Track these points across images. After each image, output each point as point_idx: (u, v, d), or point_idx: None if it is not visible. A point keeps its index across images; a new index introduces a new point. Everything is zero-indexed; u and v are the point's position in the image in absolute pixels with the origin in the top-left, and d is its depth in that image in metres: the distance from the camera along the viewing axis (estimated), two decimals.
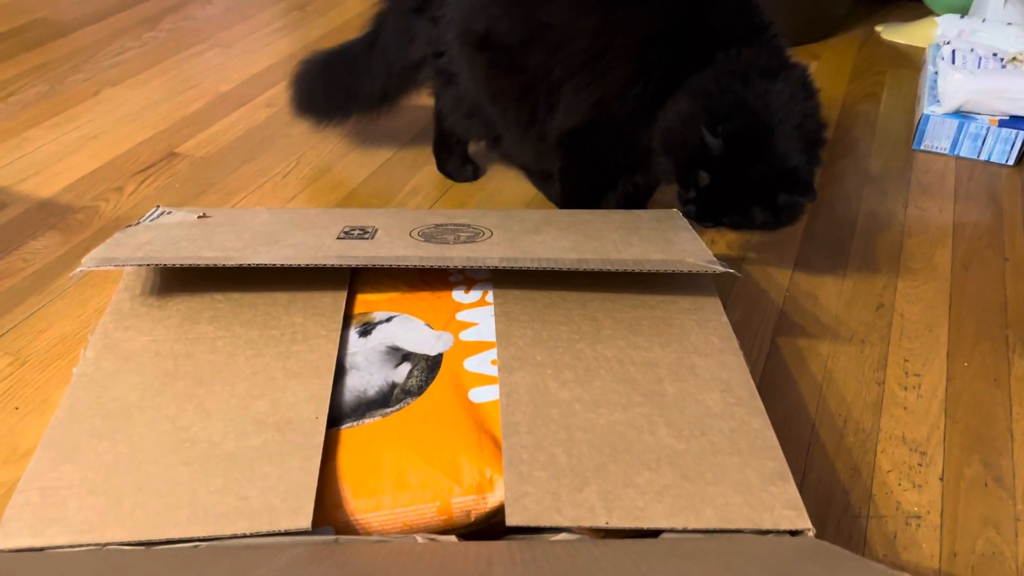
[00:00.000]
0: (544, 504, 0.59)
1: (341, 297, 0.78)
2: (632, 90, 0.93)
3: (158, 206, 0.89)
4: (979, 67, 1.35)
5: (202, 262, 0.72)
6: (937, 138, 1.32)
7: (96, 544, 0.56)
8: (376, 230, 0.83)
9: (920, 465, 0.82)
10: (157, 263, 0.72)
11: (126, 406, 0.66)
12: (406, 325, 0.76)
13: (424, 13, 1.06)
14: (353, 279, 0.81)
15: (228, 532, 0.56)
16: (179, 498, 0.58)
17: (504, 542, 0.60)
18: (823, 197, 1.23)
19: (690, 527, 0.58)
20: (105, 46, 1.65)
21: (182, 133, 1.35)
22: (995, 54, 1.37)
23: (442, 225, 0.85)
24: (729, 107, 0.87)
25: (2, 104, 1.42)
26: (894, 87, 1.55)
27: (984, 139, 1.29)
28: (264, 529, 0.56)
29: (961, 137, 1.30)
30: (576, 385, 0.68)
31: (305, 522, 0.57)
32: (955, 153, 1.32)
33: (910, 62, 1.64)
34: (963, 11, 1.61)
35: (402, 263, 0.74)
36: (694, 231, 0.88)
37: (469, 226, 0.85)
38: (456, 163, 1.24)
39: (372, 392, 0.69)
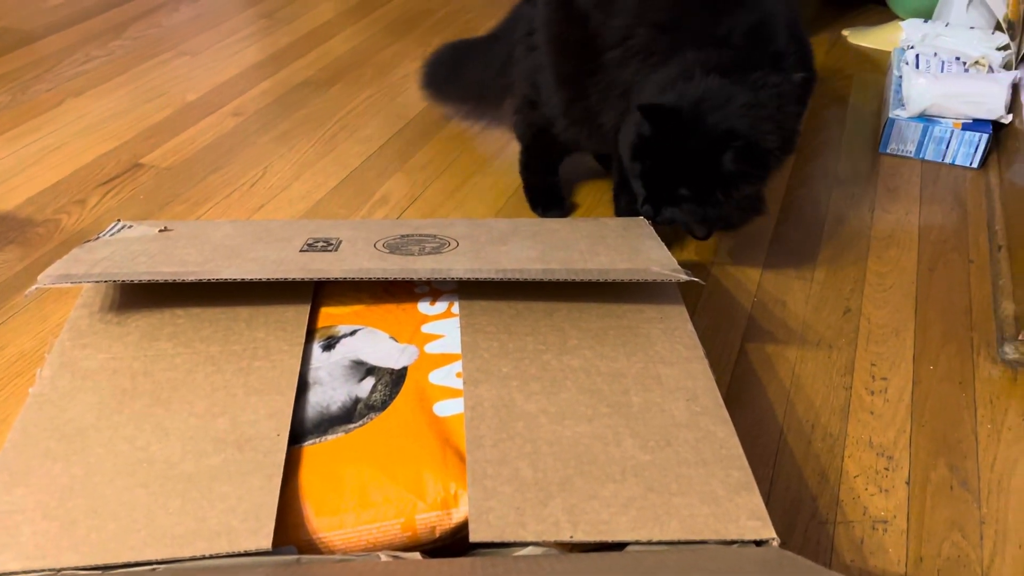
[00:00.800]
0: (509, 519, 0.58)
1: (304, 311, 0.77)
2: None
3: (119, 220, 0.87)
4: (943, 71, 1.36)
5: (160, 278, 0.71)
6: (903, 141, 1.33)
7: (51, 570, 0.55)
8: (340, 242, 0.82)
9: (887, 469, 0.82)
10: (114, 279, 0.71)
11: (82, 427, 0.65)
12: (370, 338, 0.75)
13: (532, 1, 1.13)
14: (317, 292, 0.80)
15: (186, 554, 0.55)
16: (136, 521, 0.57)
17: (468, 559, 0.59)
18: (791, 201, 1.24)
19: (655, 539, 0.58)
20: (69, 55, 1.63)
21: (147, 143, 1.34)
22: (958, 58, 1.39)
23: (408, 236, 0.85)
24: (660, 95, 0.91)
25: None
26: (861, 90, 1.56)
27: (948, 142, 1.31)
28: (224, 550, 0.56)
29: (926, 140, 1.31)
30: (542, 397, 0.68)
31: (266, 542, 0.56)
32: (920, 156, 1.33)
33: (876, 66, 1.65)
34: (927, 15, 1.62)
35: (365, 276, 0.73)
36: (659, 239, 0.87)
37: (435, 236, 0.85)
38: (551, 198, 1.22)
39: (335, 408, 0.68)
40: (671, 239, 0.89)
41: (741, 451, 0.65)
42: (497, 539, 0.57)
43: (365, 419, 0.67)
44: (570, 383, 0.70)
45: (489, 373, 0.70)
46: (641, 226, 0.91)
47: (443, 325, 0.76)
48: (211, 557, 0.55)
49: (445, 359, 0.72)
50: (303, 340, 0.74)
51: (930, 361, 0.95)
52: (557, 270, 0.76)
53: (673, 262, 0.80)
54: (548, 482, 0.61)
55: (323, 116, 1.44)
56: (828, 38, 1.79)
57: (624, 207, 1.08)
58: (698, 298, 1.03)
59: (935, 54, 1.41)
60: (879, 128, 1.37)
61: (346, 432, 0.66)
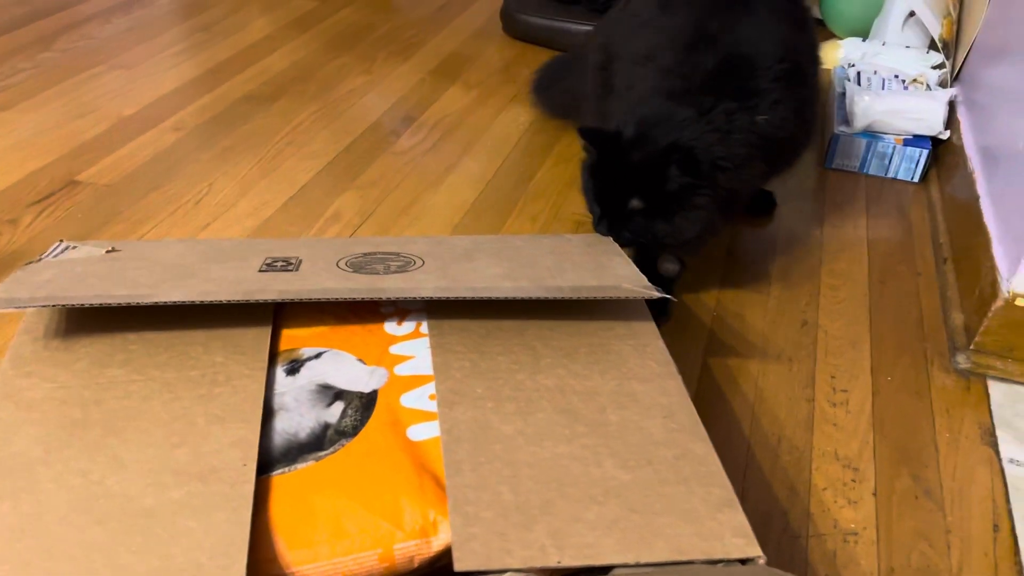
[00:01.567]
0: (493, 546, 0.56)
1: (265, 333, 0.74)
2: None
3: (61, 240, 0.83)
4: (883, 88, 1.40)
5: (112, 301, 0.67)
6: (847, 156, 1.36)
7: None
8: (300, 261, 0.80)
9: (854, 481, 0.83)
10: (62, 303, 0.67)
11: (29, 461, 0.60)
12: (337, 361, 0.72)
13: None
14: (277, 313, 0.77)
15: None
16: (94, 561, 0.53)
17: None
18: (744, 216, 1.25)
19: (642, 561, 0.57)
20: None
21: (83, 160, 1.28)
22: (897, 76, 1.43)
23: (370, 254, 0.82)
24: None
25: None
26: None
27: (891, 157, 1.34)
28: None
29: (870, 156, 1.34)
30: (518, 418, 0.66)
31: None
32: (864, 171, 1.37)
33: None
34: (864, 34, 1.67)
35: (332, 296, 0.70)
36: (625, 256, 0.87)
37: (398, 254, 0.82)
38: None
39: (303, 435, 0.65)
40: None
41: (720, 468, 0.65)
42: (483, 567, 0.55)
43: (336, 446, 0.64)
44: (545, 403, 0.68)
45: (463, 394, 0.68)
46: (606, 243, 0.91)
47: (412, 345, 0.74)
48: None
49: (416, 381, 0.70)
50: (265, 364, 0.70)
51: (887, 372, 0.97)
52: (528, 287, 0.75)
53: (642, 279, 0.79)
54: (530, 506, 0.59)
55: (268, 132, 1.40)
56: None
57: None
58: None
59: (875, 72, 1.45)
60: (824, 144, 1.40)
61: (317, 460, 0.63)
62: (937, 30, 1.42)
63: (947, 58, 1.45)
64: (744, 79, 0.93)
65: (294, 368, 0.71)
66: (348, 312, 0.78)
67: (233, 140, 1.37)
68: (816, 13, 1.83)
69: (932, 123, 1.33)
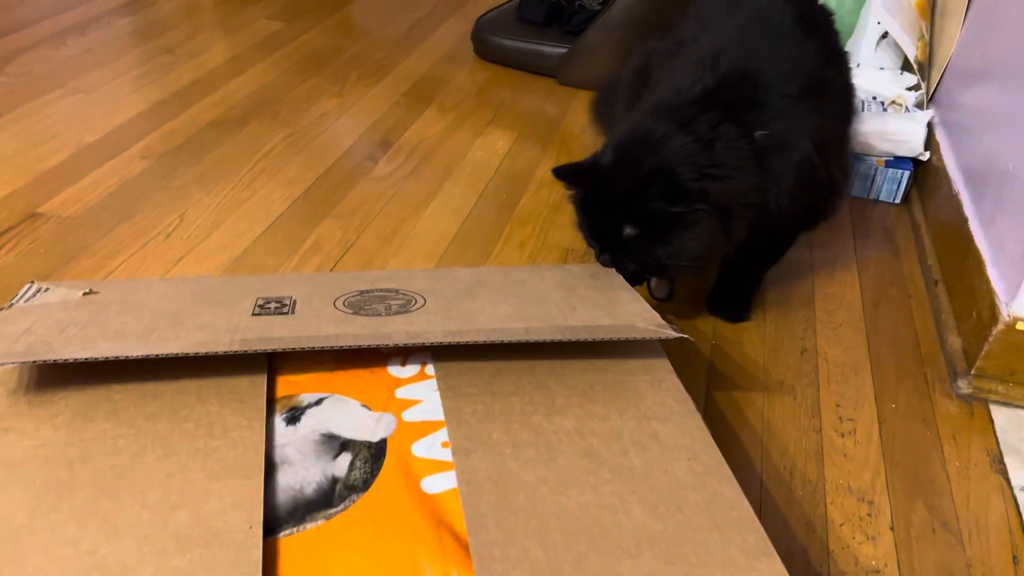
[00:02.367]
0: None
1: (260, 380, 0.69)
2: None
3: (32, 282, 0.77)
4: (863, 110, 1.40)
5: (102, 355, 0.62)
6: None
7: None
8: (295, 301, 0.75)
9: (869, 515, 0.81)
10: (46, 359, 0.61)
11: (13, 528, 0.55)
12: (340, 407, 0.68)
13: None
14: (271, 357, 0.72)
15: None
16: None
17: None
18: None
19: None
20: None
21: (44, 190, 1.21)
22: (875, 97, 1.44)
23: (367, 292, 0.78)
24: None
25: None
26: None
27: (873, 179, 1.34)
28: None
29: (853, 177, 1.34)
30: (539, 464, 0.63)
31: None
32: (847, 193, 1.36)
33: None
34: None
35: (336, 344, 0.66)
36: (632, 289, 0.84)
37: (398, 291, 0.78)
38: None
39: (310, 490, 0.61)
40: None
41: (752, 512, 0.62)
42: None
43: (347, 502, 0.60)
44: (566, 447, 0.65)
45: (478, 441, 0.64)
46: (610, 275, 0.88)
47: (419, 388, 0.70)
48: None
49: (427, 427, 0.66)
50: (264, 413, 0.66)
51: (891, 399, 0.95)
52: (540, 329, 0.71)
53: (656, 316, 0.76)
54: (561, 561, 0.56)
55: (240, 158, 1.35)
56: None
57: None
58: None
59: None
60: None
61: (327, 518, 0.58)
62: (913, 52, 1.43)
63: (922, 79, 1.46)
64: (743, 93, 0.90)
65: (294, 416, 0.67)
66: (348, 353, 0.74)
67: (204, 167, 1.31)
68: None
69: (913, 144, 1.33)
